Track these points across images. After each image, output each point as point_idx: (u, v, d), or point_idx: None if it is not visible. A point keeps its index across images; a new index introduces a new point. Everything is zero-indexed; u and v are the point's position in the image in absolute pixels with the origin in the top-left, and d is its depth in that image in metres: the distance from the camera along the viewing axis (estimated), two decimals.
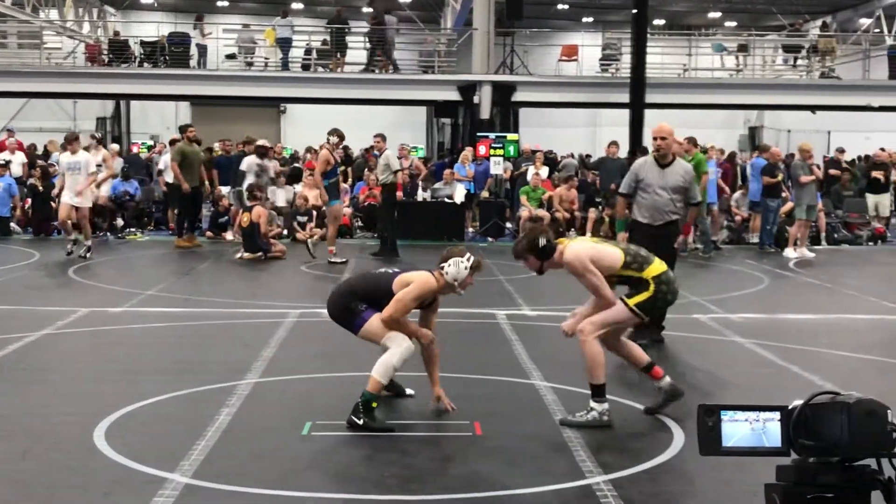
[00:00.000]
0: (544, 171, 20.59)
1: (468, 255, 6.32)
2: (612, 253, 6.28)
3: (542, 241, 6.13)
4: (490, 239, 19.10)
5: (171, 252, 16.40)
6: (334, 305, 6.44)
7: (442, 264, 6.28)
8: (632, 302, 6.23)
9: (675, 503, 5.07)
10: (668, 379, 6.43)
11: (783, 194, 18.14)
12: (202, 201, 18.10)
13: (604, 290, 6.18)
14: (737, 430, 2.01)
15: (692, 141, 17.13)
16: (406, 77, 25.76)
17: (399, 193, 17.59)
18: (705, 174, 17.10)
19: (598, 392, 6.15)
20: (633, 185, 9.22)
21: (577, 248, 6.25)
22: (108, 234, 18.43)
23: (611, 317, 6.23)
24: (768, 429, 2.01)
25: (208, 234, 18.37)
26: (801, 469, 2.00)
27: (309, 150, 26.15)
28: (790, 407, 2.01)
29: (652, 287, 6.22)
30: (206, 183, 17.86)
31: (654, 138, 9.11)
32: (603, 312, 6.22)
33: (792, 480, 2.00)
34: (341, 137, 14.98)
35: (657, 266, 6.33)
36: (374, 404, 6.09)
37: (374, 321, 6.21)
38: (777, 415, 2.01)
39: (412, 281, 6.24)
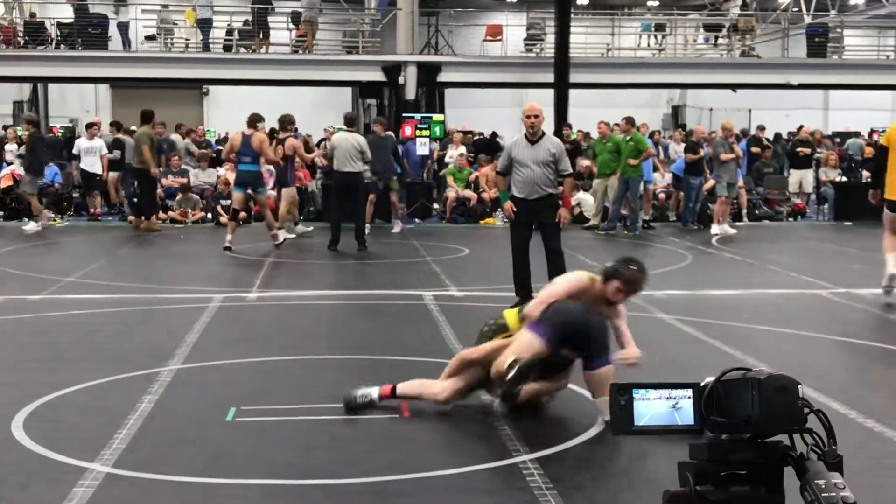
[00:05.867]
0: (461, 151, 20.51)
1: None
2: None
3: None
4: (417, 220, 19.08)
5: (91, 237, 16.13)
6: None
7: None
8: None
9: (597, 479, 5.13)
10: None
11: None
12: (157, 185, 17.87)
13: None
14: (649, 408, 1.98)
15: (630, 121, 17.35)
16: (330, 58, 25.55)
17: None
18: (648, 150, 17.43)
19: None
20: (507, 163, 9.65)
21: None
22: (26, 219, 18.01)
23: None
24: (681, 407, 2.00)
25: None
26: (714, 447, 1.98)
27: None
28: (702, 384, 2.00)
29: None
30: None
31: (528, 116, 9.41)
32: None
33: (704, 458, 1.99)
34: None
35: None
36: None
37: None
38: (689, 392, 1.99)
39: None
